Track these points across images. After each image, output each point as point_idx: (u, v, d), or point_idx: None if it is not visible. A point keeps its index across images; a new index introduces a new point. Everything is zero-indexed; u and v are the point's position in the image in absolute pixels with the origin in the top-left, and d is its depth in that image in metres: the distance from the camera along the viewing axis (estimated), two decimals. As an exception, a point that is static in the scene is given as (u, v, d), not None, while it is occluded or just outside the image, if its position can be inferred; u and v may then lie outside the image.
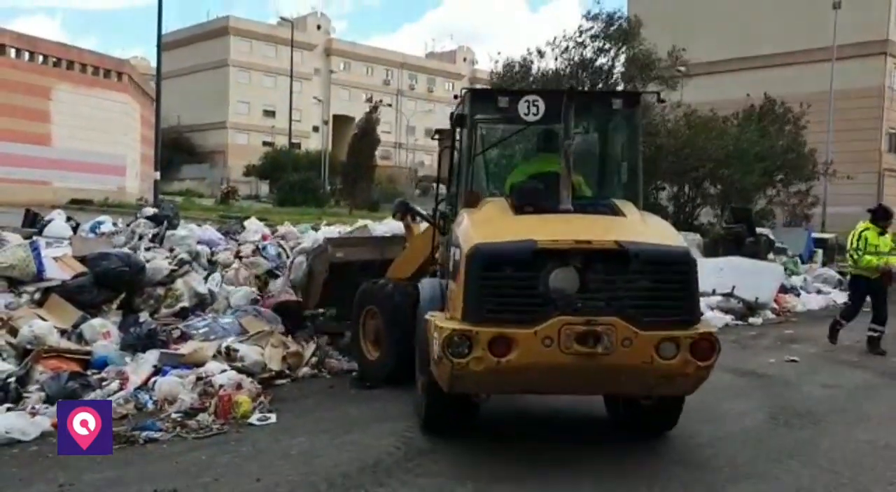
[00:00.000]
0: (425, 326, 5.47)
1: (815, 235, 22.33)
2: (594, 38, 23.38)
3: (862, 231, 10.16)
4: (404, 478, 5.00)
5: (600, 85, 23.14)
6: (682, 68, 26.15)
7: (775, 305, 13.75)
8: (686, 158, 22.43)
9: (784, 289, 14.72)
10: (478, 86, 47.11)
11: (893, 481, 5.28)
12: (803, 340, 11.02)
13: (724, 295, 12.89)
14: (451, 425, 5.85)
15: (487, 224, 5.67)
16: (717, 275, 12.81)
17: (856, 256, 10.13)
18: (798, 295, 15.04)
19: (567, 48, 23.46)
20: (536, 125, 6.36)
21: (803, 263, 18.58)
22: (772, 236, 18.86)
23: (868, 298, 10.41)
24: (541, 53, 23.73)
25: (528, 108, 5.99)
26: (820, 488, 5.10)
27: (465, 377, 5.07)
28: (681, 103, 24.10)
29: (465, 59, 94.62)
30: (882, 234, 10.11)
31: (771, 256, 17.03)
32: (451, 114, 6.66)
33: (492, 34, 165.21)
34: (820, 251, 20.71)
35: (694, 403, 5.96)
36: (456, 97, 6.62)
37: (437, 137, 7.89)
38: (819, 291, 15.95)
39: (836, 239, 23.18)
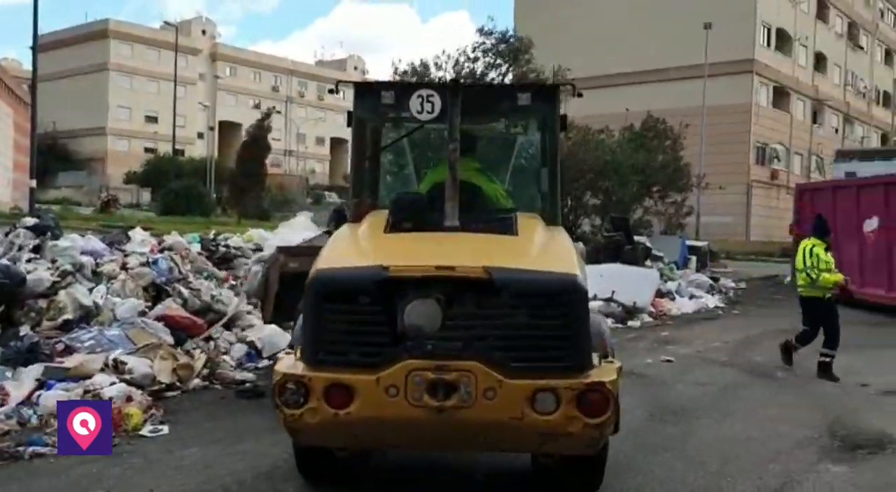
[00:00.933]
0: None
1: (689, 242, 23.59)
2: (486, 53, 23.97)
3: (811, 248, 9.22)
4: (300, 485, 5.05)
5: None
6: (567, 87, 27.12)
7: (652, 309, 14.51)
8: (566, 169, 23.28)
9: (660, 293, 15.55)
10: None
11: (753, 470, 5.74)
12: (678, 342, 11.68)
13: (604, 300, 13.49)
14: (321, 476, 4.99)
15: (347, 244, 4.94)
16: (598, 281, 13.40)
17: (814, 275, 9.11)
18: (673, 299, 15.91)
19: (458, 61, 23.95)
20: (436, 125, 5.48)
21: (678, 269, 19.64)
22: (649, 244, 19.87)
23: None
24: (438, 65, 24.14)
25: (422, 104, 5.07)
26: (690, 479, 5.51)
27: (301, 431, 4.26)
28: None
29: (355, 68, 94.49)
30: (828, 249, 9.34)
31: (648, 262, 17.92)
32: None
33: (382, 44, 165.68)
34: (694, 258, 21.93)
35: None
36: (331, 91, 5.86)
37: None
38: (692, 296, 16.89)
39: (708, 246, 24.61)
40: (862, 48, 58.28)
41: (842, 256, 17.20)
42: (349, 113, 5.59)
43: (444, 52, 24.37)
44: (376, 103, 5.46)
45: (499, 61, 24.12)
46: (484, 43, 24.15)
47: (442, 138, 5.67)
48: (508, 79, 24.34)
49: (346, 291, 4.20)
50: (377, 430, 4.21)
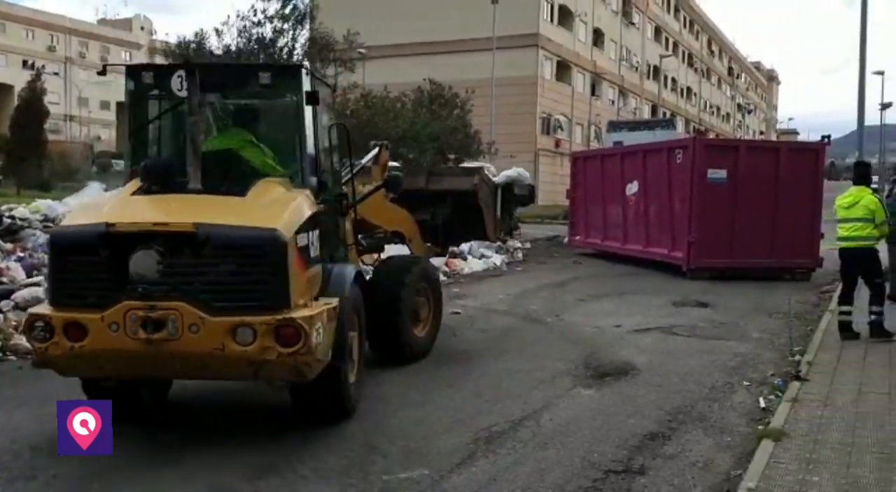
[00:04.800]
0: None
1: (482, 207, 25.03)
2: (271, 18, 23.60)
3: (878, 199, 8.90)
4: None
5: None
6: (363, 51, 27.58)
7: (446, 269, 15.57)
8: (367, 137, 23.91)
9: (453, 254, 16.67)
10: (156, 57, 45.09)
11: (520, 396, 6.77)
12: (466, 297, 12.75)
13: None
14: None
15: (95, 206, 5.86)
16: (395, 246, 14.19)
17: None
18: (465, 259, 17.11)
19: (245, 27, 23.45)
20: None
21: (471, 232, 20.91)
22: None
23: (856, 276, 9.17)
24: (218, 32, 23.57)
25: (181, 83, 5.56)
26: (467, 407, 6.43)
27: (50, 362, 5.12)
28: (358, 84, 25.46)
29: (142, 28, 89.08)
30: None
31: (444, 226, 19.01)
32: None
33: (175, 4, 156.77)
34: (485, 221, 23.38)
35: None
36: (99, 73, 6.31)
37: None
38: (482, 256, 18.17)
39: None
40: (634, 25, 63.30)
41: (609, 217, 19.33)
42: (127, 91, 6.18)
43: (228, 17, 23.89)
44: (146, 82, 6.16)
45: (286, 26, 23.81)
46: (266, 9, 23.75)
47: (215, 113, 6.38)
48: (299, 44, 24.23)
49: (76, 244, 5.07)
50: (107, 360, 5.01)
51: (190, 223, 4.94)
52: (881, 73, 52.20)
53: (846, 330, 9.02)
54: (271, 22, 23.57)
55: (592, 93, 56.17)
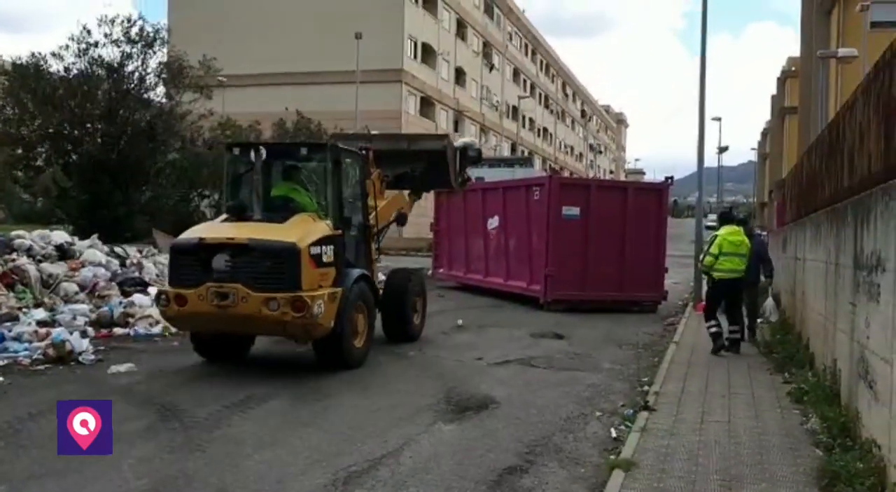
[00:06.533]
0: None
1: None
2: (116, 42, 22.37)
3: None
4: None
5: (133, 88, 22.57)
6: (223, 79, 26.86)
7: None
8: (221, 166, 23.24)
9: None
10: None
11: (379, 434, 6.65)
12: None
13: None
14: (203, 352, 9.62)
15: (201, 227, 9.72)
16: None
17: None
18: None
19: (86, 50, 22.13)
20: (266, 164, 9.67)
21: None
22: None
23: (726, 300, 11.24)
24: (59, 56, 22.18)
25: (254, 153, 9.37)
26: (324, 446, 6.26)
27: (170, 319, 9.25)
28: (213, 112, 24.71)
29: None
30: None
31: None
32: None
33: (17, 21, 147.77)
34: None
35: (230, 388, 6.78)
36: (210, 147, 8.48)
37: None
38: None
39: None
40: (495, 66, 65.26)
41: (471, 251, 19.65)
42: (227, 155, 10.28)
43: (71, 38, 22.35)
44: (235, 154, 10.14)
45: (134, 51, 22.55)
46: (109, 33, 22.43)
47: (280, 171, 10.17)
48: (150, 68, 23.20)
49: (182, 249, 9.00)
50: (199, 318, 8.71)
51: (246, 238, 8.62)
52: (719, 119, 56.45)
53: (735, 345, 10.99)
54: (118, 46, 22.31)
55: (455, 129, 57.14)
